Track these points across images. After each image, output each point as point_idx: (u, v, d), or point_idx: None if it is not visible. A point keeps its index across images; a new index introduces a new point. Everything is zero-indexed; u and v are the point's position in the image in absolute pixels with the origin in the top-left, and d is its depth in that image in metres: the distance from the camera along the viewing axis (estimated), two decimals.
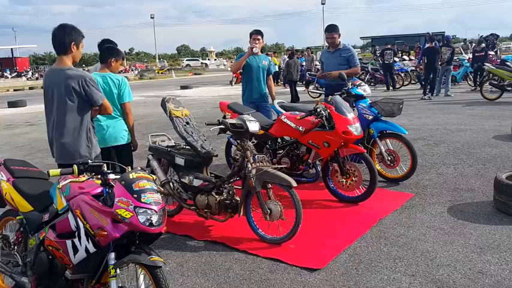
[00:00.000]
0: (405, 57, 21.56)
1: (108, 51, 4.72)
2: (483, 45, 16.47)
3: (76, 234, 2.63)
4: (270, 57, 7.17)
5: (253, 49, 6.16)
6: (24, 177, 3.36)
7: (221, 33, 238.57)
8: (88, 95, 3.69)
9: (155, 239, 2.75)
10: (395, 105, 5.61)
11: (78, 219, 2.61)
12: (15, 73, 49.96)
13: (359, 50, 63.99)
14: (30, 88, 34.61)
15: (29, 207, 3.13)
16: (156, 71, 50.57)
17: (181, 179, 4.69)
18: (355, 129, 4.96)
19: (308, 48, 25.56)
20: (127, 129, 4.77)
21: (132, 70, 50.68)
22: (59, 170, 2.74)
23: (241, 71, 6.47)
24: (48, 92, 3.77)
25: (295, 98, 15.98)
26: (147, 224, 2.51)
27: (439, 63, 14.19)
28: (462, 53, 19.90)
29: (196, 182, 4.55)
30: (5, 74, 49.32)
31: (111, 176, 2.69)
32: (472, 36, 37.19)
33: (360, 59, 25.92)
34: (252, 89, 6.38)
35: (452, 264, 3.57)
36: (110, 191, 2.60)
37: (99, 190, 2.68)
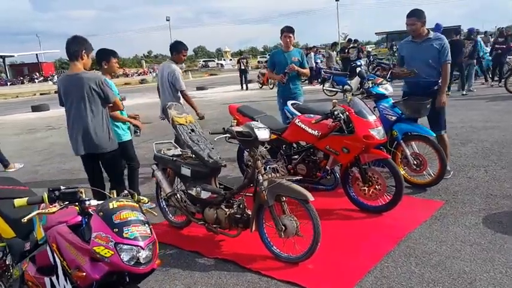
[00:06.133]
0: None
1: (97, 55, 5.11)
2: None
3: (54, 271, 2.25)
4: (301, 51, 7.04)
5: (284, 79, 6.42)
6: (8, 198, 3.00)
7: (236, 33, 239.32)
8: (104, 93, 4.23)
9: (148, 275, 2.34)
10: (422, 104, 5.12)
11: (55, 254, 2.22)
12: (42, 77, 51.32)
13: (373, 45, 63.01)
14: (56, 92, 35.21)
15: (12, 233, 2.78)
16: None
17: (189, 191, 4.32)
18: (378, 132, 4.51)
19: (314, 46, 24.99)
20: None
21: (150, 72, 52.39)
22: (26, 199, 2.32)
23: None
24: (68, 97, 4.26)
25: None
26: (133, 263, 2.09)
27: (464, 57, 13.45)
28: (483, 46, 19.14)
29: (204, 194, 4.18)
30: (33, 78, 51.02)
31: (93, 203, 2.29)
32: (488, 29, 35.99)
33: (374, 55, 25.26)
34: (285, 86, 6.52)
35: None
36: (89, 223, 2.20)
37: (80, 218, 2.29)
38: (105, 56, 5.09)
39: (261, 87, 23.00)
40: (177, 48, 6.35)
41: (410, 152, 5.25)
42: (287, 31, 6.45)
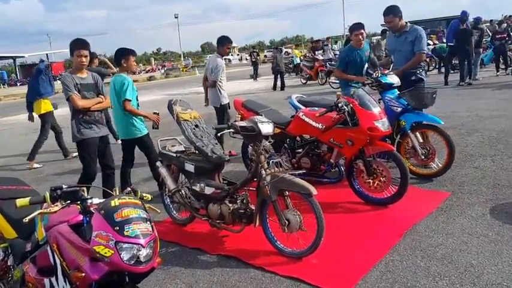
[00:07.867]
0: (429, 41, 20.68)
1: (116, 54, 5.29)
2: (505, 25, 15.53)
3: (54, 272, 2.22)
4: (367, 44, 6.59)
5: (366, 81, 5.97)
6: (11, 198, 2.98)
7: (243, 28, 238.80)
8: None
9: (148, 274, 2.31)
10: (427, 94, 5.05)
11: (55, 254, 2.19)
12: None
13: (379, 37, 62.45)
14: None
15: (14, 233, 2.76)
16: (181, 69, 50.96)
17: (193, 187, 4.29)
18: (382, 124, 4.45)
19: (328, 37, 24.84)
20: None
21: (159, 69, 54.39)
22: (28, 199, 2.29)
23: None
24: None
25: (281, 86, 18.66)
26: (133, 262, 2.05)
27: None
28: (489, 35, 18.92)
29: (208, 190, 4.15)
30: None
31: (95, 201, 2.26)
32: (494, 18, 35.40)
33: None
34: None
35: (504, 283, 3.02)
36: (90, 221, 2.16)
37: (81, 217, 2.26)
38: (124, 54, 5.20)
39: (305, 83, 20.06)
40: (222, 41, 6.94)
41: (419, 142, 5.18)
42: (357, 28, 5.90)
